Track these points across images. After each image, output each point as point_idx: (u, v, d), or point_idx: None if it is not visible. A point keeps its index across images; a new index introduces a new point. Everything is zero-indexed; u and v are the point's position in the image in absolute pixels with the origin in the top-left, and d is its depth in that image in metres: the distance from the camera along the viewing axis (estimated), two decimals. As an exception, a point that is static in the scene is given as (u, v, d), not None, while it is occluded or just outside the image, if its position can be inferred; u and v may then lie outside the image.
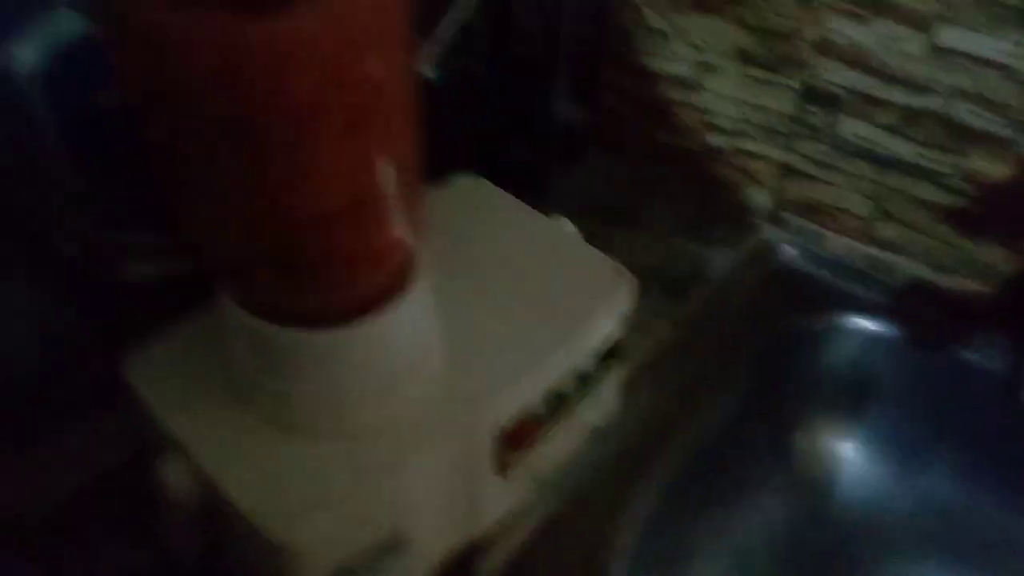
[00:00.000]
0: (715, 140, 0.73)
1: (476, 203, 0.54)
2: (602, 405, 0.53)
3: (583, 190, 0.76)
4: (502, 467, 0.46)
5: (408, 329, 0.40)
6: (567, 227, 0.54)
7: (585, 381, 0.49)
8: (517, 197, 0.55)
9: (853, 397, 0.67)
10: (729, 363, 0.63)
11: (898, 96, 0.62)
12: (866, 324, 0.66)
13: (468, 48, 0.60)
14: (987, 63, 0.57)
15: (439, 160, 0.54)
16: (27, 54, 0.29)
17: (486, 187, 0.55)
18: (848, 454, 0.68)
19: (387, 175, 0.34)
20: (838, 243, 0.70)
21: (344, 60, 0.30)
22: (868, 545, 0.66)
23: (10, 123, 0.31)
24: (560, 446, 0.50)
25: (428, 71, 0.55)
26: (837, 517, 0.66)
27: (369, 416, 0.41)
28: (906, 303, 0.67)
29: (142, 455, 0.50)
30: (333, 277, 0.37)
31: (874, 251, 0.68)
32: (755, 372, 0.65)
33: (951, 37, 0.58)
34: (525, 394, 0.44)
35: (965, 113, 0.60)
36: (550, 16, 0.60)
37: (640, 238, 0.71)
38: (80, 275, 0.35)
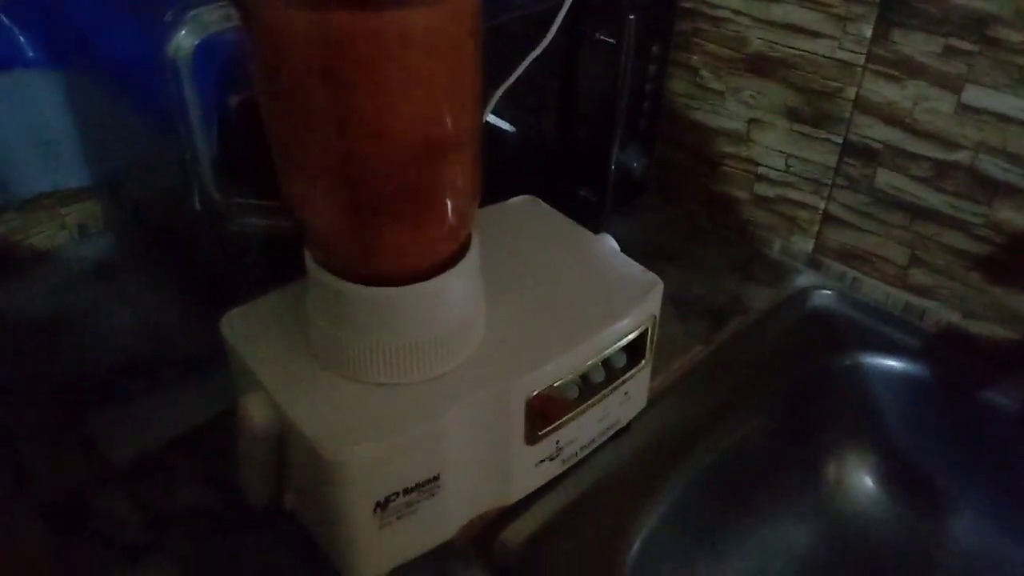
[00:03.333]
0: (763, 190, 0.79)
1: (531, 217, 0.62)
2: (630, 403, 0.59)
3: (639, 232, 0.83)
4: (532, 438, 0.52)
5: (457, 295, 0.48)
6: (609, 242, 0.60)
7: (614, 374, 0.55)
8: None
9: (883, 436, 0.70)
10: (761, 389, 0.67)
11: (930, 151, 0.67)
12: (896, 364, 0.69)
13: (540, 104, 0.69)
14: (1009, 120, 0.62)
15: (512, 193, 0.62)
16: (185, 42, 0.38)
17: (541, 205, 0.63)
18: (875, 490, 0.70)
19: (448, 149, 0.42)
20: (874, 288, 0.74)
21: (425, 46, 0.38)
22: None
23: (168, 100, 0.40)
24: (588, 431, 0.56)
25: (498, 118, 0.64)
26: (858, 550, 0.68)
27: (418, 369, 0.48)
28: (936, 346, 0.70)
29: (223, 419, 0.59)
30: (399, 238, 0.44)
31: (908, 296, 0.72)
32: (789, 401, 0.69)
33: (976, 96, 0.63)
34: (556, 370, 0.51)
35: (991, 166, 0.64)
36: (613, 78, 0.68)
37: (687, 274, 0.77)
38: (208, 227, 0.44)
